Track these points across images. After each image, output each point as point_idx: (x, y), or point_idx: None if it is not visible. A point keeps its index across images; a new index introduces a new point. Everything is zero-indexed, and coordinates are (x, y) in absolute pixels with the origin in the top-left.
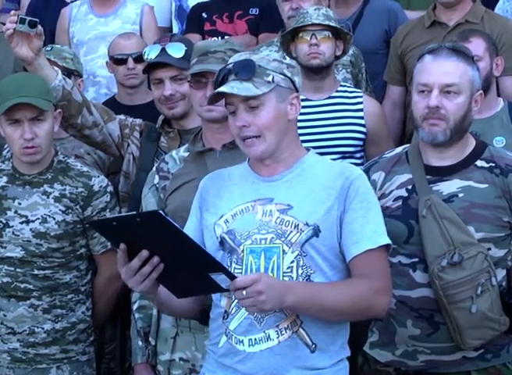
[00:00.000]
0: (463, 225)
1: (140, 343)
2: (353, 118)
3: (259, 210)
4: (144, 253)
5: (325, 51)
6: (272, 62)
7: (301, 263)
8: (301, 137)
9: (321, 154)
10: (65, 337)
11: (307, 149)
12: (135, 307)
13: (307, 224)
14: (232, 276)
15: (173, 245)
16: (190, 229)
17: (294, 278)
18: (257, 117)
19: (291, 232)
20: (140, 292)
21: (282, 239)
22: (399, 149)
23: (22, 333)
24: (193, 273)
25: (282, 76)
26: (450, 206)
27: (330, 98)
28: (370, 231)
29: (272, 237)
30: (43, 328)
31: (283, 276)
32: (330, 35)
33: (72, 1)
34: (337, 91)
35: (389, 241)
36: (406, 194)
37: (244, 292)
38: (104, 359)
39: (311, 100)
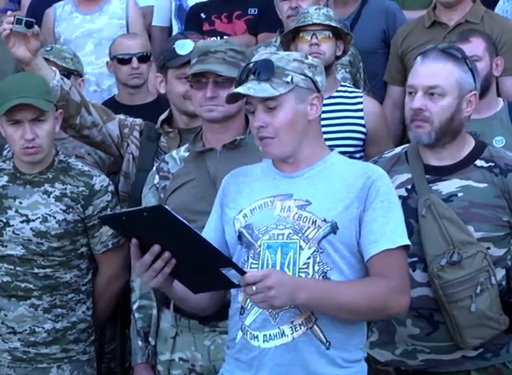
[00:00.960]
0: (462, 224)
1: (139, 343)
2: (353, 118)
3: (278, 205)
4: (156, 248)
5: (326, 51)
6: (292, 62)
7: (318, 260)
8: None
9: None
10: (65, 336)
11: (331, 149)
12: (135, 307)
13: (324, 220)
14: (242, 272)
15: (181, 240)
16: (211, 226)
17: (310, 274)
18: (274, 118)
19: (308, 228)
20: (154, 287)
21: (300, 235)
22: (398, 149)
23: (22, 333)
24: (204, 268)
25: (303, 77)
26: (450, 206)
27: (330, 98)
28: (389, 231)
29: (290, 233)
30: (43, 328)
31: (299, 272)
32: (331, 35)
33: None
34: (337, 91)
35: (408, 242)
36: (405, 194)
37: (254, 287)
38: (104, 359)
39: None
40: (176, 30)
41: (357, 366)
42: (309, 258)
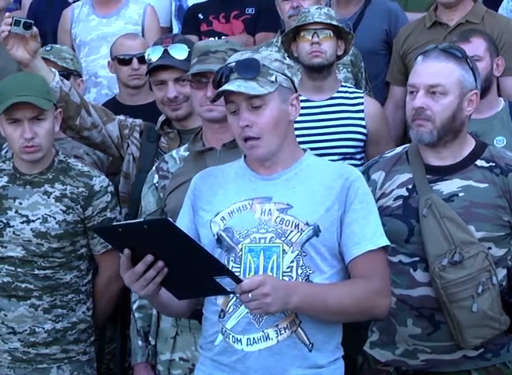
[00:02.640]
0: (463, 224)
1: (139, 343)
2: (354, 119)
3: (257, 209)
4: (149, 258)
5: (327, 50)
6: (274, 61)
7: (301, 263)
8: (302, 138)
9: (322, 155)
10: (65, 336)
11: (304, 150)
12: (135, 307)
13: (307, 224)
14: (238, 280)
15: (179, 251)
16: (181, 227)
17: (294, 278)
18: (260, 117)
19: (291, 232)
20: (143, 296)
21: (283, 238)
22: (399, 149)
23: (22, 333)
24: (198, 276)
25: (284, 77)
26: (451, 205)
27: (331, 99)
28: (370, 232)
29: (272, 237)
30: (43, 328)
31: (283, 275)
32: (332, 34)
33: (74, 2)
34: (338, 92)
35: (388, 242)
36: (406, 194)
37: (250, 295)
38: (104, 360)
39: (313, 101)
40: (175, 30)
41: (337, 363)
42: (292, 261)
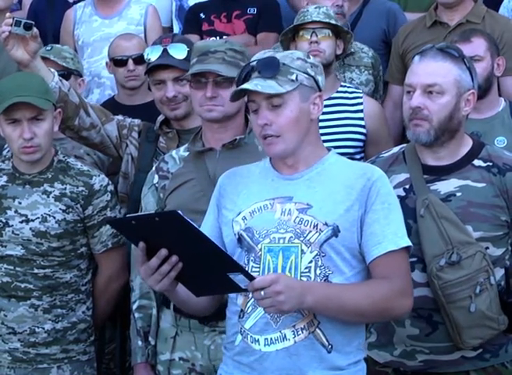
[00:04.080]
0: (461, 224)
1: (139, 343)
2: (354, 119)
3: (278, 208)
4: (163, 252)
5: (326, 49)
6: (295, 60)
7: (319, 263)
8: None
9: None
10: (65, 336)
11: (329, 149)
12: (135, 307)
13: (326, 224)
14: (250, 277)
15: (191, 245)
16: (207, 226)
17: (312, 278)
18: (279, 116)
19: (310, 232)
20: (159, 291)
21: (301, 238)
22: (396, 149)
23: (22, 333)
24: (212, 272)
25: (306, 76)
26: (448, 205)
27: (330, 99)
28: (391, 233)
29: (291, 237)
30: (43, 328)
31: (301, 276)
32: (330, 34)
33: (74, 2)
34: (337, 92)
35: (409, 243)
36: (403, 194)
37: (262, 292)
38: (103, 359)
39: None
40: (176, 30)
41: (358, 366)
42: (311, 262)
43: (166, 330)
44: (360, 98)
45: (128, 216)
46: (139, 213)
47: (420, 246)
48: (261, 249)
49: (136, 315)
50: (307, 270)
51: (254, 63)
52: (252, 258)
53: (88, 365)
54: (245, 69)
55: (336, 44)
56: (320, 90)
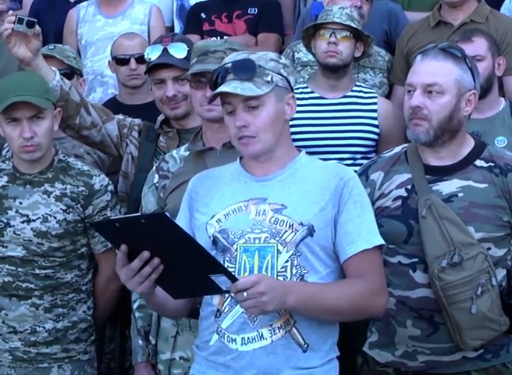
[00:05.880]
0: (463, 225)
1: (140, 342)
2: (367, 118)
3: (252, 209)
4: (145, 254)
5: (343, 51)
6: (269, 61)
7: (295, 263)
8: (313, 135)
9: (333, 153)
10: (66, 336)
11: (299, 150)
12: (135, 306)
13: (301, 224)
14: (233, 278)
15: (176, 247)
16: None
17: (288, 278)
18: (256, 117)
19: (286, 231)
20: (139, 293)
21: (277, 238)
22: (398, 149)
23: (23, 333)
24: (194, 274)
25: (280, 76)
26: (450, 206)
27: (345, 97)
28: (365, 232)
29: (266, 237)
30: (44, 327)
31: (277, 275)
32: (350, 35)
33: (75, 2)
34: (352, 91)
35: (382, 242)
36: (405, 194)
37: (245, 294)
38: (104, 359)
39: (326, 98)
40: (177, 29)
41: (331, 363)
42: (287, 261)
43: (167, 329)
44: (375, 98)
45: (112, 218)
46: (124, 215)
47: (421, 247)
48: (236, 249)
49: (137, 314)
50: (283, 270)
51: (229, 65)
52: (227, 258)
53: (89, 364)
54: (219, 70)
55: (355, 46)
56: (292, 90)
